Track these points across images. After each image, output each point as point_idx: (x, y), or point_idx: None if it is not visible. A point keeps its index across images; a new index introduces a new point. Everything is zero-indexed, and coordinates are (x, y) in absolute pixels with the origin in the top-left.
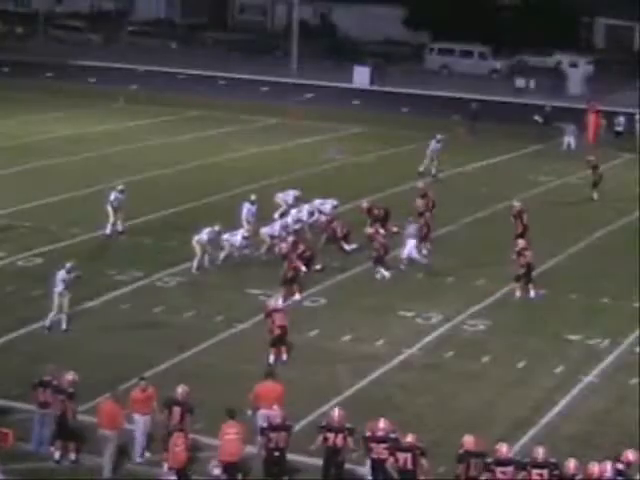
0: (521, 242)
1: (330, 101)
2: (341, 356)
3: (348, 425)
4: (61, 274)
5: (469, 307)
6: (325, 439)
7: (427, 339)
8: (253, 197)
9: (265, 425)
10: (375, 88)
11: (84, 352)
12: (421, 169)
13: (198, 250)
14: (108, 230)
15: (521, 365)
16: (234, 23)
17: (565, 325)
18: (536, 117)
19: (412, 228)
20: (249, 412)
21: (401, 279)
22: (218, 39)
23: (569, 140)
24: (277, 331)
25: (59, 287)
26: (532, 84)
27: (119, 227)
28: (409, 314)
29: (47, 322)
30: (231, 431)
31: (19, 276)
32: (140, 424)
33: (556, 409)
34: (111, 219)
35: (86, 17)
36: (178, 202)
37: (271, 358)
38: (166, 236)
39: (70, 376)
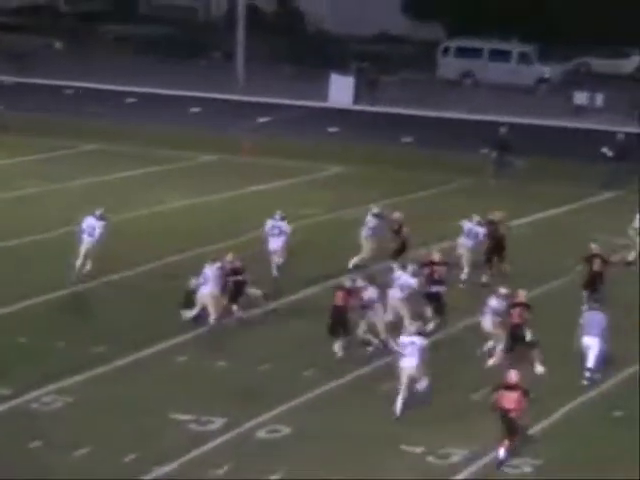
0: None
1: (295, 128)
2: None
3: None
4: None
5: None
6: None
7: None
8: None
9: None
10: (362, 108)
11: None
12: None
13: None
14: None
15: None
16: (147, 10)
17: None
18: (604, 149)
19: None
20: None
21: None
22: (123, 34)
23: None
24: None
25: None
26: (599, 100)
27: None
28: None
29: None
30: None
31: None
32: None
33: None
34: None
35: None
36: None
37: None
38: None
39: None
